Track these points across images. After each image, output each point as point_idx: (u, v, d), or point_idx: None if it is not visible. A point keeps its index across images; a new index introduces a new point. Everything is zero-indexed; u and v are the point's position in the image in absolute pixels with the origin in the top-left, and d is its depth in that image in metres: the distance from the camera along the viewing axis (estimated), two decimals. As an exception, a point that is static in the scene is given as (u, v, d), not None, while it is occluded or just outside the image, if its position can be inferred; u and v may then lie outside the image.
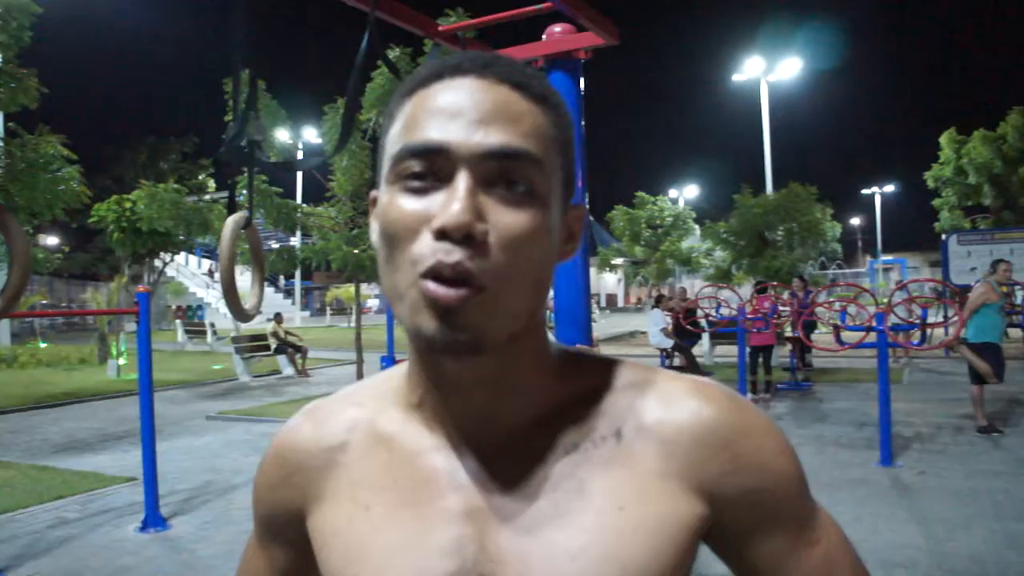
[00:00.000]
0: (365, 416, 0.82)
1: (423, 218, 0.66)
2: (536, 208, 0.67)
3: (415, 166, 0.67)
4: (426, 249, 0.65)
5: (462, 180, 0.65)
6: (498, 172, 0.66)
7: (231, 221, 2.05)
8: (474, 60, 0.70)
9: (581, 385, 0.77)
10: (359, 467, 0.79)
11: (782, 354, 14.08)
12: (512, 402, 0.75)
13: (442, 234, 0.64)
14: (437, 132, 0.66)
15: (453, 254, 0.63)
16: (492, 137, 0.66)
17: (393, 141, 0.71)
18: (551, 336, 0.81)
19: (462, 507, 0.73)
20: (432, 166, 0.66)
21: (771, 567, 0.75)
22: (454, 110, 0.67)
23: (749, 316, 11.54)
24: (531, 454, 0.74)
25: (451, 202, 0.64)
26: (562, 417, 0.75)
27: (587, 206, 3.23)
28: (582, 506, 0.71)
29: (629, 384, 0.76)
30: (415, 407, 0.78)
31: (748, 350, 11.59)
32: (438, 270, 0.64)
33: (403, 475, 0.76)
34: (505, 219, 0.65)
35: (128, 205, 17.80)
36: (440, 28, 3.15)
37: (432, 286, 0.64)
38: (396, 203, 0.68)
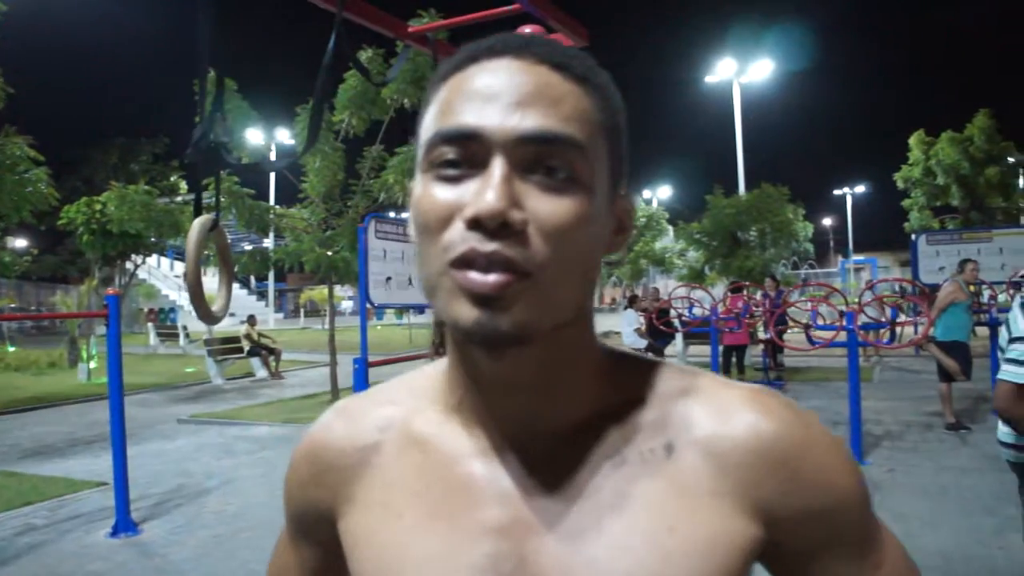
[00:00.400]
0: (400, 415, 0.78)
1: (456, 207, 0.62)
2: (578, 195, 0.63)
3: (448, 153, 0.63)
4: (457, 236, 0.61)
5: (497, 167, 0.61)
6: (536, 158, 0.62)
7: (197, 224, 2.03)
8: (510, 41, 0.66)
9: (628, 388, 0.73)
10: (392, 470, 0.75)
11: (754, 353, 14.19)
12: (555, 404, 0.70)
13: (475, 223, 0.60)
14: (471, 116, 0.63)
15: (488, 244, 0.60)
16: (529, 120, 0.62)
17: (427, 128, 0.67)
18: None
19: (500, 520, 0.69)
20: (466, 152, 0.63)
21: None
22: (489, 93, 0.63)
23: (722, 316, 11.62)
24: (575, 464, 0.69)
25: (484, 190, 0.60)
26: (608, 424, 0.71)
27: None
28: (628, 524, 0.66)
29: (680, 390, 0.72)
30: (454, 408, 0.74)
31: (721, 349, 11.68)
32: (470, 258, 0.60)
33: (437, 481, 0.72)
34: (545, 207, 0.61)
35: (98, 207, 17.61)
36: (409, 29, 3.15)
37: (470, 275, 0.60)
38: (428, 192, 0.64)
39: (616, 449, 0.69)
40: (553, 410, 0.70)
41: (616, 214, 0.71)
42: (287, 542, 0.90)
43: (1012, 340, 3.08)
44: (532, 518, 0.68)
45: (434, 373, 0.79)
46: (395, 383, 0.83)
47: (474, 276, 0.60)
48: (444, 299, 0.63)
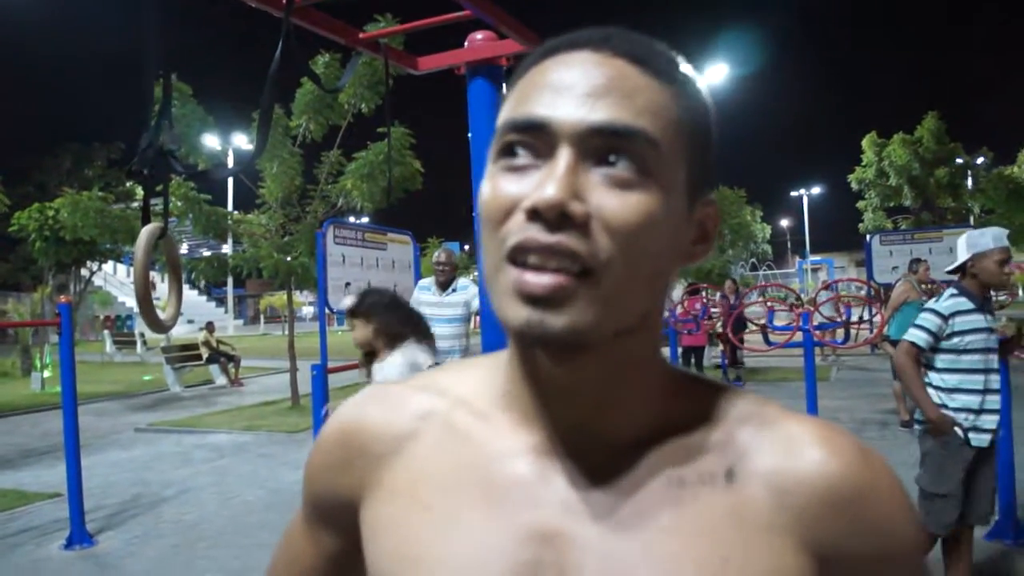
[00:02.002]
0: (444, 405, 0.74)
1: (519, 199, 0.60)
2: (648, 192, 0.60)
3: (516, 143, 0.62)
4: (515, 226, 0.59)
5: (562, 157, 0.59)
6: (605, 150, 0.59)
7: (145, 232, 2.02)
8: (592, 34, 0.64)
9: (692, 408, 0.69)
10: (426, 460, 0.72)
11: (713, 355, 14.34)
12: (614, 415, 0.67)
13: (534, 214, 0.58)
14: (541, 107, 0.61)
15: (549, 235, 0.57)
16: (599, 112, 0.59)
17: (500, 119, 0.65)
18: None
19: (542, 526, 0.65)
20: (534, 143, 0.61)
21: None
22: (562, 85, 0.61)
23: (680, 318, 11.73)
24: (629, 480, 0.66)
25: (546, 180, 0.58)
26: (668, 443, 0.67)
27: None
28: (680, 550, 0.62)
29: (746, 417, 0.68)
30: (503, 405, 0.71)
31: (680, 351, 11.79)
32: (526, 247, 0.58)
33: (474, 478, 0.68)
34: (610, 202, 0.58)
35: (51, 213, 17.28)
36: (361, 36, 3.14)
37: (525, 276, 0.58)
38: (494, 184, 0.62)
39: (675, 468, 0.66)
40: (612, 420, 0.67)
41: (697, 221, 0.68)
42: (302, 528, 0.85)
43: (923, 310, 3.86)
44: (579, 529, 0.64)
45: (489, 364, 0.76)
46: (446, 370, 0.80)
47: (529, 277, 0.58)
48: (497, 297, 0.61)
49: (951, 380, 3.76)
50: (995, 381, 3.76)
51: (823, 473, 0.64)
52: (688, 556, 0.62)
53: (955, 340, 3.72)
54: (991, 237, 3.77)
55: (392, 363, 4.05)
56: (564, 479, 0.66)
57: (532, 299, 0.58)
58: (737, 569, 0.61)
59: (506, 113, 0.64)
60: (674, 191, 0.62)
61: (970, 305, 3.74)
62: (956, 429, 3.74)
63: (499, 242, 0.60)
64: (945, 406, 3.78)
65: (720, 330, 12.81)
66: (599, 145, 0.59)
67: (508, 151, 0.62)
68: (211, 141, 12.63)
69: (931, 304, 3.85)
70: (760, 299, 14.62)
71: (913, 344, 3.78)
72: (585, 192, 0.58)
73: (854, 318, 11.56)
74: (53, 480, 7.71)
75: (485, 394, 0.73)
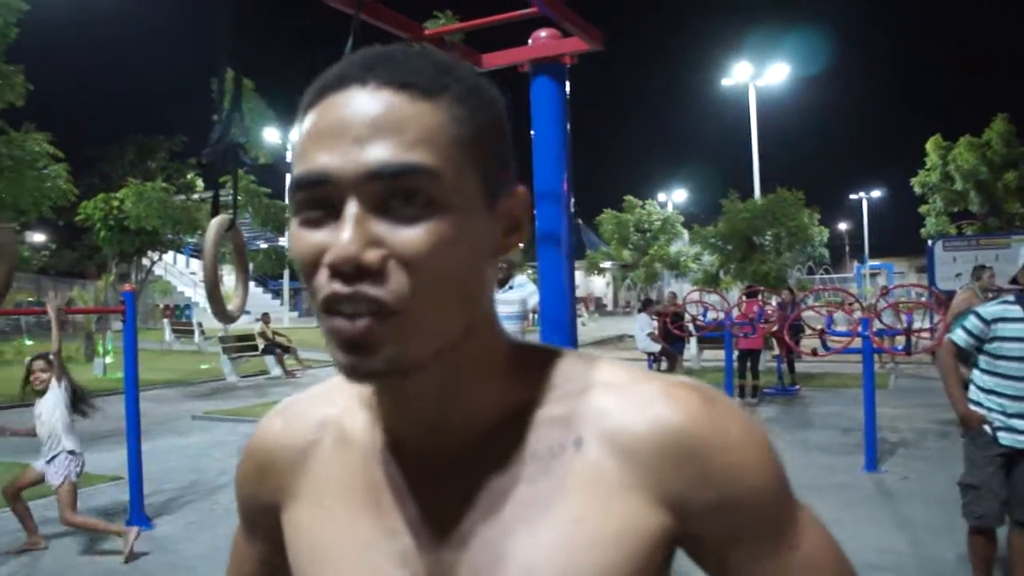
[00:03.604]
0: (335, 414, 0.80)
1: (320, 251, 0.61)
2: (437, 220, 0.60)
3: (306, 198, 0.62)
4: (322, 281, 0.61)
5: (349, 209, 0.60)
6: (389, 191, 0.60)
7: (215, 223, 2.05)
8: (355, 65, 0.64)
9: (538, 385, 0.72)
10: (326, 466, 0.78)
11: (769, 358, 14.15)
12: (460, 411, 0.71)
13: (335, 270, 0.60)
14: (319, 159, 0.61)
15: (348, 287, 0.60)
16: (372, 154, 0.60)
17: (293, 170, 0.65)
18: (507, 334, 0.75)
19: (412, 516, 0.71)
20: (322, 195, 0.61)
21: (749, 573, 0.70)
22: (334, 131, 0.61)
23: (736, 321, 11.59)
24: (485, 463, 0.70)
25: (338, 235, 0.60)
26: (518, 423, 0.71)
27: (574, 208, 3.23)
28: (538, 520, 0.67)
29: (591, 383, 0.71)
30: (372, 409, 0.76)
31: (736, 354, 11.64)
32: (333, 301, 0.60)
33: (360, 477, 0.74)
34: (401, 239, 0.60)
35: (115, 203, 17.69)
36: (425, 32, 3.15)
37: (336, 322, 0.61)
38: (296, 237, 0.64)
39: (526, 447, 0.70)
40: (457, 417, 0.71)
41: (504, 215, 0.68)
42: (242, 536, 0.93)
43: (970, 312, 4.03)
44: (441, 518, 0.70)
45: None
46: (333, 383, 0.84)
47: (341, 324, 0.61)
48: (326, 339, 0.64)
49: (988, 381, 3.94)
50: None
51: (662, 428, 0.67)
52: (544, 524, 0.67)
53: (995, 344, 3.87)
54: None
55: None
56: (428, 472, 0.71)
57: (348, 345, 0.61)
58: (590, 529, 0.66)
59: (295, 166, 0.65)
60: (468, 205, 0.63)
61: (1020, 314, 3.82)
62: (985, 426, 3.92)
63: (313, 293, 0.63)
64: (980, 404, 3.97)
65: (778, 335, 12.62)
66: (381, 187, 0.60)
67: (303, 205, 0.63)
68: (272, 136, 12.83)
69: (978, 307, 4.03)
70: (816, 304, 14.35)
71: (953, 343, 4.03)
72: (378, 235, 0.60)
73: (915, 325, 11.31)
74: (113, 463, 7.89)
75: (361, 400, 0.78)
